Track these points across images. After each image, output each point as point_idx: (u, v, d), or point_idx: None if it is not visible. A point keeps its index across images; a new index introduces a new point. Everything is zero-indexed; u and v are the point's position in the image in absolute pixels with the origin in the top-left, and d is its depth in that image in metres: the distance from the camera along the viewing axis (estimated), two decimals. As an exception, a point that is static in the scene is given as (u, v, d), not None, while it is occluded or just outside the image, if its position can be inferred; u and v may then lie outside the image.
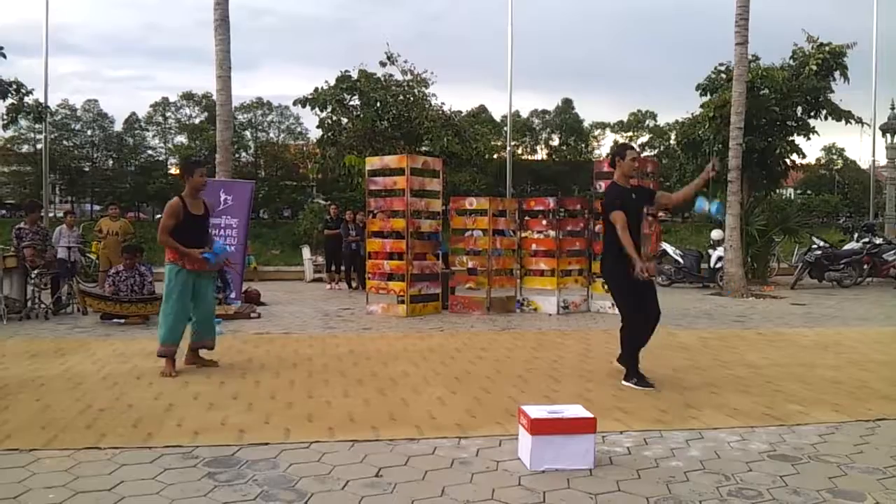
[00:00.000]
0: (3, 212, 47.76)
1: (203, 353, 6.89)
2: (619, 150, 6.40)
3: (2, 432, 4.57)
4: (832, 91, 17.40)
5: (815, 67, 16.84)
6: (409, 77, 19.79)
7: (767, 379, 6.42)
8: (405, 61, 19.74)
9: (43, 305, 10.47)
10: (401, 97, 19.30)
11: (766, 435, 4.71)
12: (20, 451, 4.22)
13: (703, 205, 6.99)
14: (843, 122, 17.58)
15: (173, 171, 48.21)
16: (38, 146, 40.99)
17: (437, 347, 7.99)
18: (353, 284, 15.47)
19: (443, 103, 20.42)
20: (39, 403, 5.32)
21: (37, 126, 35.40)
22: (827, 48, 16.98)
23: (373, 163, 11.96)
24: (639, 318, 6.13)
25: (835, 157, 59.30)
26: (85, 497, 3.56)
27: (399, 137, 19.20)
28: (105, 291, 10.30)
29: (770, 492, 3.72)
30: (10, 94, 15.33)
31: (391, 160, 11.92)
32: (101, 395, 5.61)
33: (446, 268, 12.14)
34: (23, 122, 33.06)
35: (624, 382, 6.10)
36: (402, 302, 11.00)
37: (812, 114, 17.60)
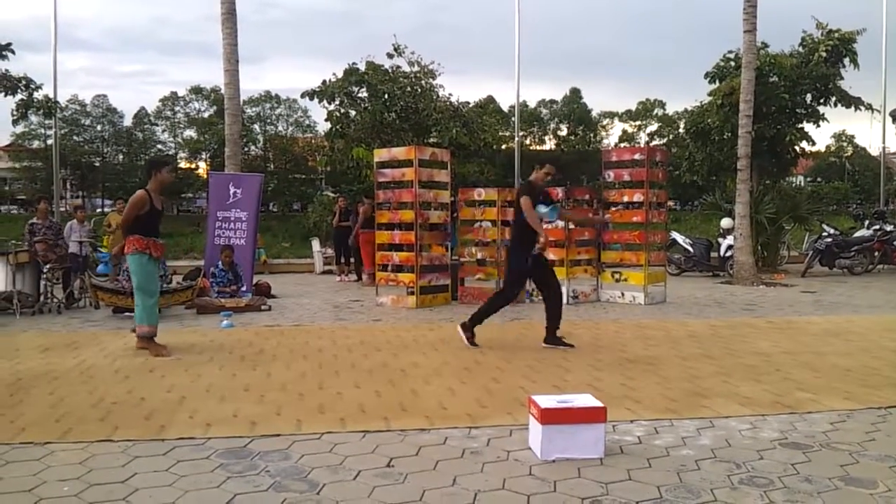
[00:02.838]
0: (15, 208, 47.98)
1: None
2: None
3: (16, 426, 4.61)
4: (841, 78, 17.27)
5: (824, 54, 16.73)
6: (416, 68, 19.75)
7: (778, 367, 6.41)
8: (412, 53, 19.71)
9: (55, 300, 10.53)
10: (408, 89, 19.25)
11: (777, 423, 4.71)
12: (34, 444, 4.26)
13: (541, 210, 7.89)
14: (853, 108, 17.45)
15: (183, 164, 48.37)
16: (49, 142, 41.12)
17: (447, 338, 7.99)
18: (363, 276, 15.48)
19: (450, 94, 20.38)
20: (53, 397, 5.36)
21: (47, 122, 35.55)
22: (836, 35, 16.85)
23: (381, 155, 11.96)
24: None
25: (845, 144, 58.89)
26: (99, 489, 3.59)
27: (407, 129, 19.15)
28: (124, 286, 10.35)
29: (781, 479, 3.72)
30: (19, 90, 15.37)
31: (399, 152, 11.90)
32: (114, 388, 5.65)
33: (455, 259, 12.15)
34: (33, 118, 33.22)
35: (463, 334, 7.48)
36: (412, 293, 11.02)
37: (821, 101, 17.49)
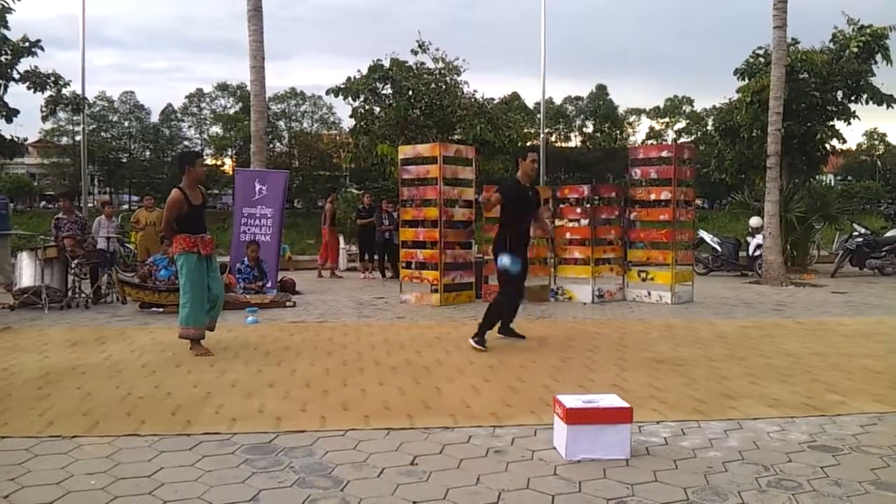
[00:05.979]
0: (44, 203, 48.67)
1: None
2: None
3: (44, 419, 4.66)
4: (873, 74, 17.00)
5: (855, 50, 16.47)
6: (440, 65, 19.71)
7: (807, 368, 6.32)
8: (437, 49, 19.67)
9: (83, 295, 10.66)
10: (433, 85, 19.21)
11: (806, 425, 4.64)
12: (62, 437, 4.30)
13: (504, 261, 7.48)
14: (886, 106, 17.16)
15: (209, 160, 48.80)
16: (77, 138, 41.71)
17: (471, 336, 7.96)
18: (388, 273, 15.53)
19: (475, 91, 20.32)
20: (81, 391, 5.41)
21: (75, 118, 36.02)
22: (868, 30, 16.58)
23: (405, 151, 11.95)
24: None
25: (876, 142, 58.16)
26: (125, 483, 3.62)
27: (431, 126, 19.11)
28: (136, 277, 10.47)
29: (810, 483, 3.66)
30: (48, 87, 15.54)
31: (424, 149, 11.88)
32: (141, 383, 5.69)
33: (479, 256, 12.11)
34: (61, 115, 33.70)
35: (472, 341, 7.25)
36: (436, 291, 11.01)
37: (853, 98, 17.24)
